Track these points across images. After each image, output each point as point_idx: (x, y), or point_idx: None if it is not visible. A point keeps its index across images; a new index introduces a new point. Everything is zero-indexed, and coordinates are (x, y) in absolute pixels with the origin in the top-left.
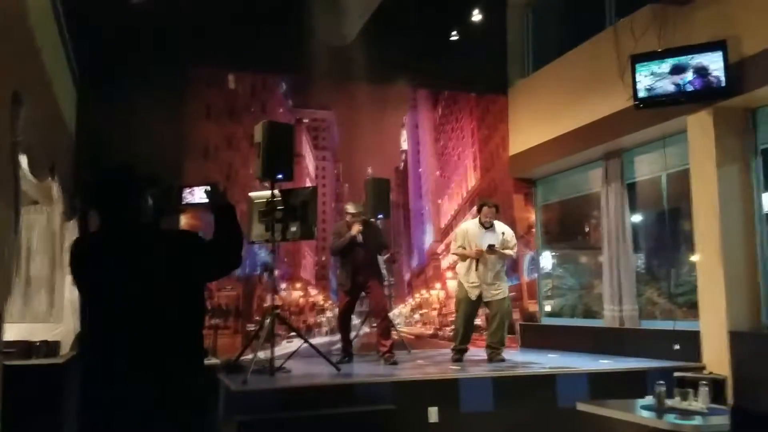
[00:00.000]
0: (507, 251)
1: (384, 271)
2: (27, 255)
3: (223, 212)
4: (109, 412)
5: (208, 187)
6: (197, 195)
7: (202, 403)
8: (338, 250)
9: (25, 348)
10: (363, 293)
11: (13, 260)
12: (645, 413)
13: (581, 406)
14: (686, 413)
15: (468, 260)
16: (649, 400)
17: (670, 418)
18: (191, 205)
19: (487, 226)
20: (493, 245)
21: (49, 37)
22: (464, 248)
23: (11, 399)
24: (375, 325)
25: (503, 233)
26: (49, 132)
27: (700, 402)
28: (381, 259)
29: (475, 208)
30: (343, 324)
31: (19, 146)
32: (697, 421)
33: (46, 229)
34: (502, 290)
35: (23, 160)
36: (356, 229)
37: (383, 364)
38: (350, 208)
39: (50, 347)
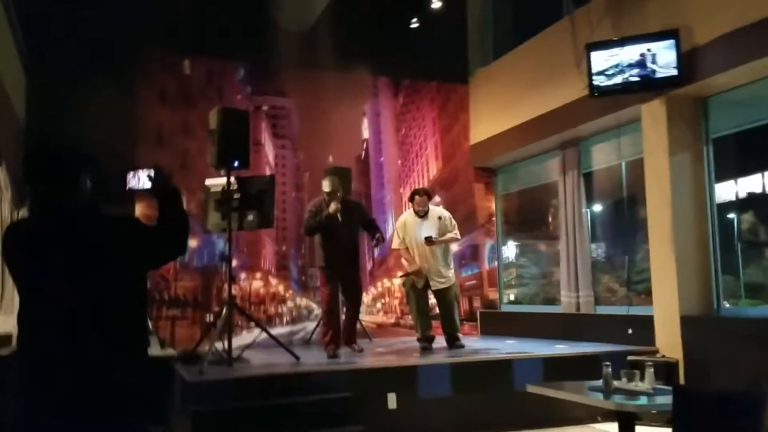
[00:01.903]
0: (448, 236)
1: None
2: None
3: (166, 196)
4: (42, 405)
5: (152, 171)
6: (141, 179)
7: (142, 395)
8: (312, 229)
9: None
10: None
11: None
12: (593, 394)
13: (531, 388)
14: (632, 394)
15: (407, 250)
16: (598, 382)
17: (616, 399)
18: (135, 191)
19: (422, 215)
20: (430, 237)
21: None
22: (404, 241)
23: None
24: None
25: (439, 218)
26: None
27: (645, 383)
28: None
29: (437, 197)
30: (331, 316)
31: None
32: (642, 401)
33: None
34: (448, 278)
35: None
36: (333, 207)
37: (350, 352)
38: (325, 186)
39: (4, 339)
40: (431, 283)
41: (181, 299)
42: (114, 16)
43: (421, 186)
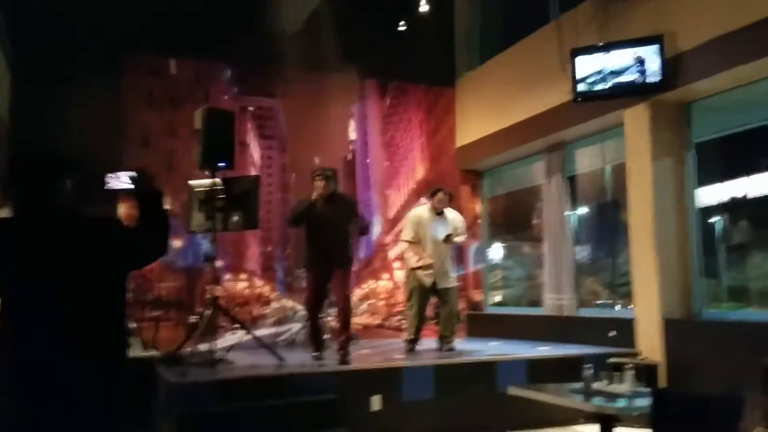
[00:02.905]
0: (459, 239)
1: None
2: None
3: (148, 198)
4: (22, 408)
5: (134, 172)
6: (122, 180)
7: (120, 397)
8: (293, 217)
9: None
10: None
11: None
12: (573, 397)
13: (513, 390)
14: (611, 396)
15: (418, 244)
16: (579, 384)
17: (596, 401)
18: (116, 191)
19: (439, 213)
20: (450, 235)
21: None
22: (417, 236)
23: None
24: (333, 314)
25: (453, 219)
26: None
27: (625, 385)
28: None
29: (424, 197)
30: (312, 316)
31: None
32: (621, 403)
33: None
34: (453, 278)
35: None
36: (318, 189)
37: (338, 358)
38: (318, 180)
39: None
40: (439, 282)
41: (164, 300)
42: (100, 17)
43: (406, 187)
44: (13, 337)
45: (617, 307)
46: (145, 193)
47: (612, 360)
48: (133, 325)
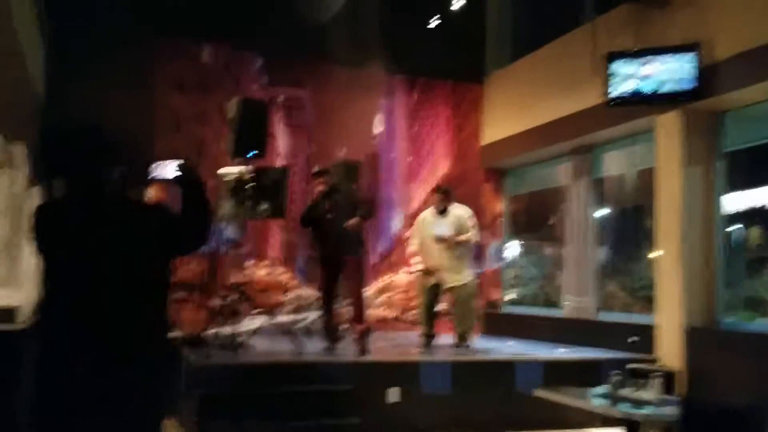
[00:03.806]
0: (462, 237)
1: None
2: None
3: (193, 188)
4: (67, 384)
5: (180, 162)
6: (168, 169)
7: (164, 377)
8: (301, 221)
9: None
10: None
11: None
12: (599, 401)
13: (539, 393)
14: (638, 403)
15: (423, 247)
16: (603, 389)
17: (623, 407)
18: (158, 179)
19: (440, 212)
20: (441, 235)
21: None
22: (421, 241)
23: None
24: (346, 305)
25: (459, 217)
26: (15, 94)
27: (651, 393)
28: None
29: (438, 196)
30: (325, 308)
31: None
32: (648, 410)
33: (9, 192)
34: (463, 275)
35: None
36: (317, 187)
37: (355, 350)
38: (317, 176)
39: (8, 313)
40: (446, 280)
41: (187, 282)
42: (134, 3)
43: (432, 184)
44: (59, 316)
45: (638, 313)
46: (189, 182)
47: (631, 366)
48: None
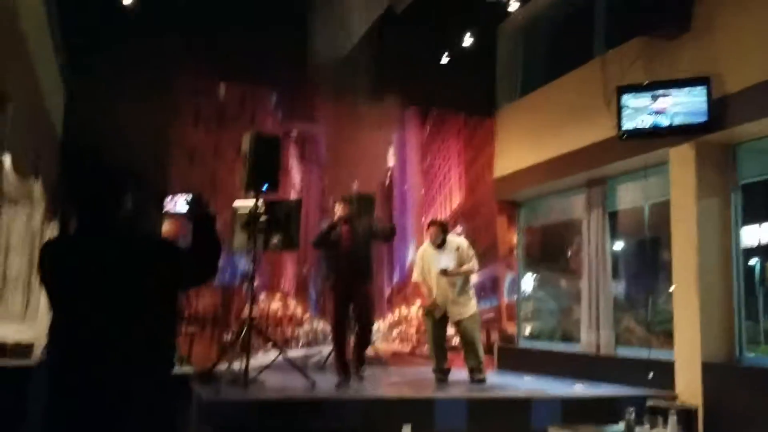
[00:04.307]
0: (464, 267)
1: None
2: (5, 254)
3: (202, 222)
4: (71, 421)
5: (190, 196)
6: (178, 203)
7: (167, 414)
8: (315, 240)
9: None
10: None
11: None
12: None
13: (553, 430)
14: None
15: (425, 281)
16: (620, 426)
17: None
18: (171, 214)
19: (439, 245)
20: (445, 269)
21: (39, 39)
22: (423, 275)
23: None
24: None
25: (457, 248)
26: (34, 132)
27: (668, 430)
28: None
29: (458, 228)
30: (337, 337)
31: (3, 145)
32: None
33: (26, 229)
34: (469, 307)
35: (6, 159)
36: (338, 212)
37: (354, 377)
38: (337, 206)
39: (24, 348)
40: (451, 312)
41: (200, 316)
42: (153, 40)
43: (442, 216)
44: (64, 352)
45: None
46: (200, 216)
47: (651, 403)
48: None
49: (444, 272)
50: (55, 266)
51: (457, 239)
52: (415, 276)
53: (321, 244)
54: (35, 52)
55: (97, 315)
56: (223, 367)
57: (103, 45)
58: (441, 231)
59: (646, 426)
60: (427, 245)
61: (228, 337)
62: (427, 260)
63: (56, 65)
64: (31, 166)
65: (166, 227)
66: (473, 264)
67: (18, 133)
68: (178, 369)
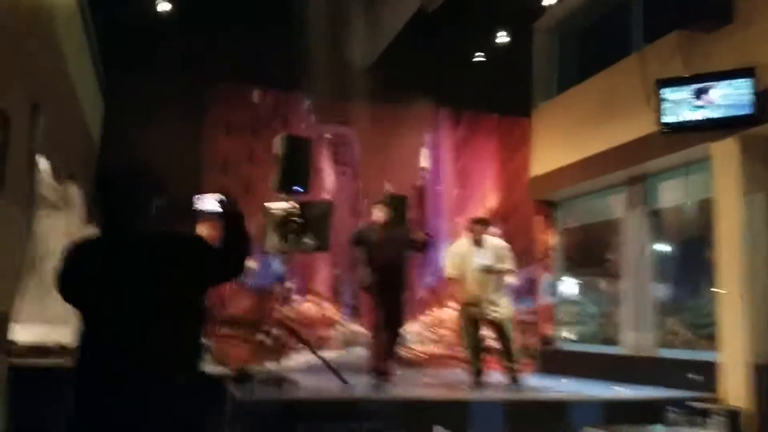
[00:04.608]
0: (505, 266)
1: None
2: (45, 257)
3: (231, 220)
4: (99, 420)
5: (219, 195)
6: (208, 202)
7: (195, 412)
8: (355, 238)
9: (41, 349)
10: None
11: (24, 262)
12: None
13: (589, 429)
14: None
15: (461, 278)
16: (660, 428)
17: None
18: (201, 213)
19: (478, 243)
20: (489, 265)
21: (75, 47)
22: (460, 272)
23: (19, 398)
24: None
25: (495, 247)
26: (71, 138)
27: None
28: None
29: (495, 229)
30: (375, 340)
31: (37, 152)
32: None
33: (65, 233)
34: (504, 306)
35: (44, 164)
36: (380, 215)
37: (375, 381)
38: (376, 208)
39: (64, 350)
40: (487, 312)
41: (236, 318)
42: (188, 48)
43: (478, 216)
44: (92, 351)
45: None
46: (229, 214)
47: (692, 404)
48: (206, 341)
49: (487, 269)
50: (74, 271)
51: (494, 239)
52: (450, 271)
53: (359, 242)
54: (70, 61)
55: (119, 316)
56: (257, 367)
57: (137, 53)
58: (485, 228)
59: (687, 428)
60: (462, 243)
61: (262, 338)
62: (464, 256)
63: (93, 75)
64: (68, 172)
65: (205, 231)
66: (512, 265)
67: (54, 140)
68: (214, 369)
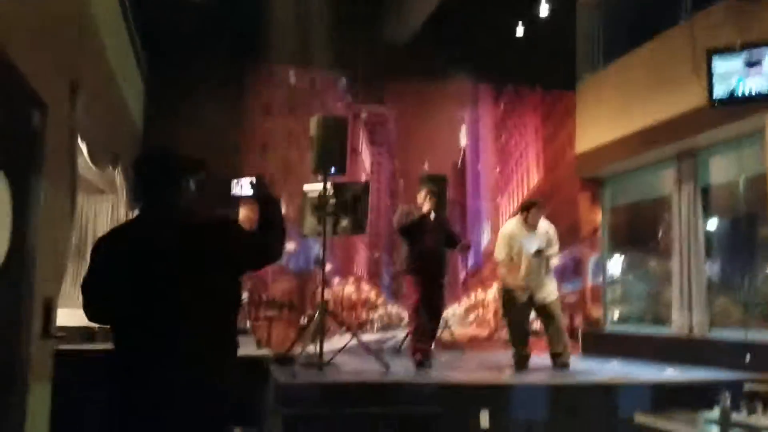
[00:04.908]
0: (551, 251)
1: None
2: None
3: (267, 203)
4: (134, 403)
5: (254, 179)
6: (243, 186)
7: (230, 397)
8: (406, 227)
9: (87, 333)
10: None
11: (69, 245)
12: (708, 428)
13: (639, 418)
14: (753, 429)
15: (512, 262)
16: (714, 413)
17: None
18: (238, 198)
19: (532, 227)
20: (541, 250)
21: (113, 31)
22: (510, 256)
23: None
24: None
25: (546, 232)
26: (111, 121)
27: None
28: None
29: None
30: (417, 322)
31: (78, 134)
32: None
33: (111, 217)
34: (553, 290)
35: (83, 147)
36: (427, 207)
37: (416, 364)
38: (422, 192)
39: (108, 333)
40: (537, 297)
41: (277, 301)
42: (226, 29)
43: (519, 195)
44: (127, 335)
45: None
46: (263, 197)
47: (749, 388)
48: (248, 324)
49: (538, 253)
50: (106, 259)
51: (545, 223)
52: (500, 255)
53: (406, 233)
54: (111, 46)
55: (158, 298)
56: (299, 350)
57: (177, 34)
58: (540, 212)
59: (744, 413)
60: (514, 225)
61: (304, 321)
62: (516, 240)
63: (133, 57)
64: (111, 155)
65: (244, 214)
66: (556, 249)
67: (94, 123)
68: (257, 352)
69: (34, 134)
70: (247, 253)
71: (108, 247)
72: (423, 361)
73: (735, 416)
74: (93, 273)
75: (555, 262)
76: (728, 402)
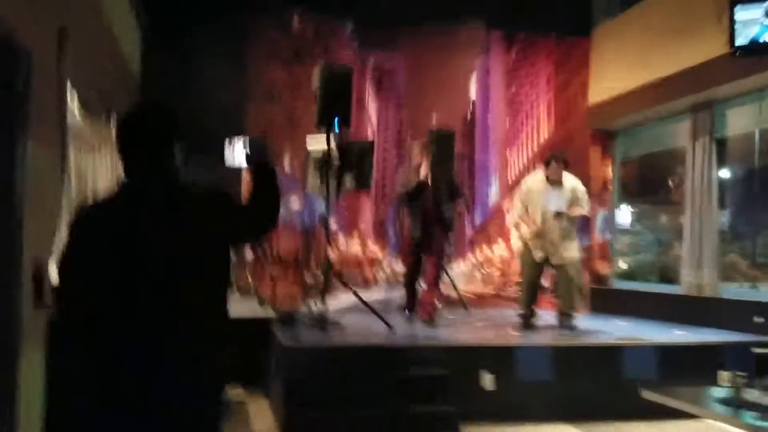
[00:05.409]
0: (577, 210)
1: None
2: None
3: (261, 170)
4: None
5: (248, 139)
6: (237, 152)
7: (222, 375)
8: (401, 197)
9: None
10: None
11: (61, 206)
12: (719, 408)
13: (646, 395)
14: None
15: (527, 215)
16: (724, 390)
17: (749, 418)
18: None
19: (554, 183)
20: (560, 212)
21: None
22: (526, 211)
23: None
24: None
25: (572, 190)
26: (111, 76)
27: None
28: (450, 207)
29: (555, 165)
30: (409, 286)
31: (66, 83)
32: None
33: (111, 173)
34: (572, 251)
35: (73, 96)
36: (423, 173)
37: (420, 321)
38: (415, 148)
39: None
40: (552, 257)
41: (282, 259)
42: None
43: (529, 148)
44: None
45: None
46: (258, 163)
47: (758, 351)
48: (250, 281)
49: (558, 214)
50: (85, 237)
51: (573, 180)
52: (516, 214)
53: (406, 201)
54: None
55: (144, 273)
56: (302, 308)
57: None
58: (564, 167)
59: (757, 391)
60: (535, 180)
61: (309, 279)
62: (535, 196)
63: (130, 8)
64: (105, 107)
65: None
66: (586, 208)
67: (86, 71)
68: (260, 311)
69: (18, 83)
70: (239, 228)
71: (89, 223)
72: (415, 314)
73: (748, 395)
74: (72, 253)
75: (582, 212)
76: (741, 380)
